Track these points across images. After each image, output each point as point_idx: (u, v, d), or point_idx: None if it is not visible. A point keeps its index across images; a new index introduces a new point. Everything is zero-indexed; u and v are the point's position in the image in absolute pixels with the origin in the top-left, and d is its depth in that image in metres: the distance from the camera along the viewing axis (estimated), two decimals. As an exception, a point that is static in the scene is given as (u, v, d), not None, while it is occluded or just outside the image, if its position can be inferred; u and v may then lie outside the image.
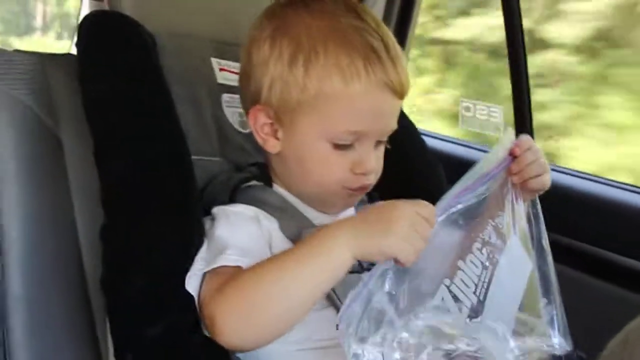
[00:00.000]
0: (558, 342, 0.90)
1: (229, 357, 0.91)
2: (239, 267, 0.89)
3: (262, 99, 0.97)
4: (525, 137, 0.94)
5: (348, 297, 0.77)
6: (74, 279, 1.04)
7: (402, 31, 1.93)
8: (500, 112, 1.92)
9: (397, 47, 0.97)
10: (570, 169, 1.71)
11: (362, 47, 0.93)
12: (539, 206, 0.95)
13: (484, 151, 1.80)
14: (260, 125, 0.99)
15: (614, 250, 1.49)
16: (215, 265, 0.90)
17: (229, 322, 0.86)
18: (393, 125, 0.99)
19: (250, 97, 1.00)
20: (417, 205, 0.83)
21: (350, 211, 1.07)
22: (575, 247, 1.53)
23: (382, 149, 1.00)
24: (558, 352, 0.90)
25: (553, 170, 0.98)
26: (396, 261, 0.80)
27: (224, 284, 0.87)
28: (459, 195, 0.84)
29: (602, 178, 1.64)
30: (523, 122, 1.73)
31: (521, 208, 0.92)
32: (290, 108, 0.95)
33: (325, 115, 0.94)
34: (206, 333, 0.89)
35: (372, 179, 0.99)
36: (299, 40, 0.94)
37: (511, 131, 0.94)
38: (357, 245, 0.82)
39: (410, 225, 0.81)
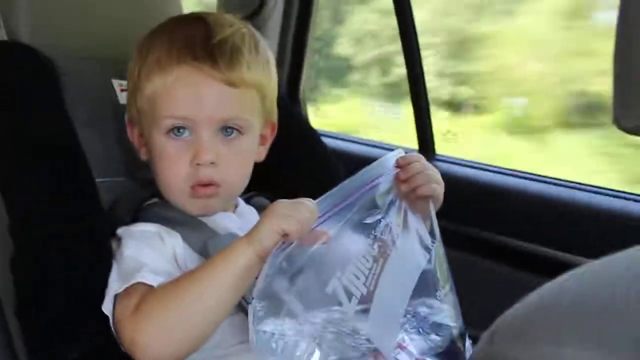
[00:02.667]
0: (450, 323, 0.97)
1: None
2: (151, 286, 0.91)
3: (131, 112, 1.06)
4: (413, 153, 1.00)
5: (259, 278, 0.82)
6: None
7: (300, 40, 1.96)
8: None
9: (232, 42, 1.00)
10: (460, 159, 1.78)
11: (181, 40, 0.99)
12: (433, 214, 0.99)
13: (382, 148, 1.87)
14: (135, 137, 1.08)
15: (503, 233, 1.56)
16: (128, 284, 0.90)
17: (150, 340, 0.87)
18: (227, 112, 1.00)
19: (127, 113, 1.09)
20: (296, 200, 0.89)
21: (245, 209, 1.12)
22: (466, 233, 1.60)
23: (234, 144, 1.02)
24: (452, 333, 0.97)
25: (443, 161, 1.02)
26: (285, 236, 0.85)
27: (140, 303, 0.88)
28: (345, 200, 0.90)
29: (490, 166, 1.72)
30: (423, 124, 1.79)
31: (414, 214, 0.98)
32: (140, 114, 1.04)
33: (155, 110, 1.00)
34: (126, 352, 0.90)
35: (213, 173, 1.00)
36: (141, 50, 1.03)
37: (401, 150, 1.00)
38: (253, 240, 0.86)
39: (291, 205, 0.87)
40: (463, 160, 1.76)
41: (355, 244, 0.90)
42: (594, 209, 1.46)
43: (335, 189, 0.90)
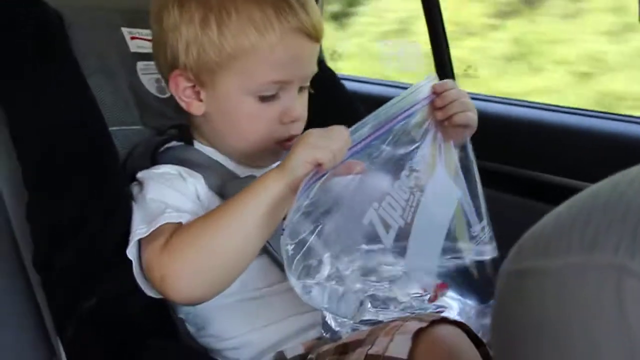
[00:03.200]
0: (488, 248, 0.97)
1: (170, 318, 0.94)
2: (179, 223, 0.90)
3: (180, 64, 0.97)
4: (448, 80, 0.97)
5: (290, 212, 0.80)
6: (10, 262, 1.05)
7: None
8: (419, 47, 1.95)
9: None
10: (480, 94, 1.76)
11: None
12: (468, 144, 0.98)
13: (404, 88, 1.84)
14: (182, 90, 0.99)
15: (538, 169, 1.55)
16: (156, 226, 0.89)
17: (182, 276, 0.86)
18: (314, 68, 1.01)
19: (167, 64, 0.99)
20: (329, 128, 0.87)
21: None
22: (502, 171, 1.59)
23: (305, 95, 1.02)
24: (487, 256, 0.96)
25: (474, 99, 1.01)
26: (318, 165, 0.83)
27: (168, 240, 0.87)
28: (380, 129, 0.87)
29: (506, 99, 1.70)
30: (441, 55, 1.76)
31: (450, 144, 0.96)
32: (209, 69, 0.96)
33: (246, 70, 0.95)
34: (152, 294, 0.90)
35: (300, 127, 1.01)
36: (208, 1, 0.94)
37: (433, 74, 0.97)
38: (285, 169, 0.85)
39: (324, 133, 0.86)
40: (482, 95, 1.74)
41: (390, 175, 0.89)
42: (617, 135, 1.44)
43: (369, 117, 0.88)
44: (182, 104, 1.01)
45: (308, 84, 1.02)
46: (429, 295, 0.90)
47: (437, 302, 0.92)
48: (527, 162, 1.58)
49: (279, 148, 1.01)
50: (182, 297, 0.88)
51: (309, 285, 0.81)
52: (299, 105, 0.99)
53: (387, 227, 0.85)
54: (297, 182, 0.83)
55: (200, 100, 0.99)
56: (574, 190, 0.46)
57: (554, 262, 0.41)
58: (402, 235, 0.87)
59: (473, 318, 0.94)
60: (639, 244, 0.39)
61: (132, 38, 1.22)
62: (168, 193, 0.95)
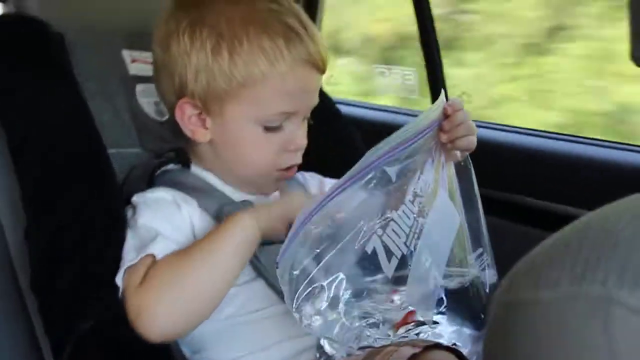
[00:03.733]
0: (486, 273, 0.97)
1: (166, 344, 0.94)
2: (154, 256, 0.91)
3: (188, 91, 0.97)
4: (457, 99, 0.97)
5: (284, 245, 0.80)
6: (6, 282, 1.05)
7: (311, 9, 1.94)
8: (415, 75, 1.96)
9: (312, 23, 1.00)
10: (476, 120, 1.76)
11: (281, 28, 0.95)
12: (470, 164, 0.98)
13: (399, 113, 1.86)
14: (187, 117, 0.99)
15: (534, 196, 1.56)
16: (143, 255, 0.91)
17: (158, 310, 0.87)
18: (317, 99, 1.03)
19: (173, 90, 0.99)
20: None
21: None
22: (500, 197, 1.60)
23: (306, 124, 1.04)
24: (486, 282, 0.96)
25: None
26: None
27: (145, 276, 0.89)
28: (393, 150, 0.86)
29: (506, 126, 1.71)
30: (436, 82, 1.77)
31: (451, 166, 0.96)
32: (218, 97, 0.96)
33: (255, 100, 0.96)
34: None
35: (300, 156, 1.03)
36: (219, 29, 0.94)
37: (443, 94, 0.97)
38: (260, 217, 0.93)
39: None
40: (485, 122, 1.75)
41: (394, 200, 0.88)
42: (617, 164, 1.45)
43: (381, 144, 0.86)
44: (187, 132, 1.01)
45: (309, 114, 1.04)
46: (394, 322, 0.89)
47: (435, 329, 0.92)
48: (524, 188, 1.58)
49: (280, 176, 1.03)
50: (155, 331, 0.88)
51: (308, 314, 0.81)
52: (301, 134, 1.01)
53: (389, 255, 0.85)
54: (272, 231, 0.92)
55: (206, 128, 1.00)
56: (572, 218, 0.46)
57: (544, 294, 0.42)
58: (404, 263, 0.87)
59: (469, 344, 0.94)
60: (628, 276, 0.40)
61: (133, 61, 1.23)
62: (160, 223, 0.96)
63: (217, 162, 1.03)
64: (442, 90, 0.98)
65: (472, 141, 0.97)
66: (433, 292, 0.90)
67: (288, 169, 1.03)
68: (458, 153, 0.97)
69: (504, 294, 0.45)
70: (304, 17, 0.99)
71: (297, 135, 1.00)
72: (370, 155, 0.84)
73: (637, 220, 0.41)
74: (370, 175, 0.84)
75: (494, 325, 0.47)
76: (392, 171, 0.86)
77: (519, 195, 1.59)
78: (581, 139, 1.57)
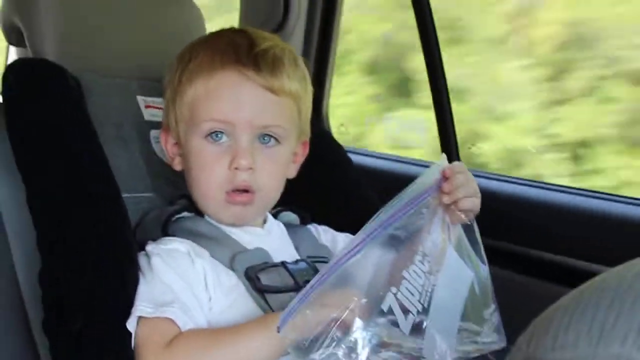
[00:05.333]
0: (494, 338, 0.96)
1: None
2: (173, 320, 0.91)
3: (165, 123, 1.07)
4: (458, 163, 0.97)
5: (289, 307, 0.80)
6: (17, 322, 1.06)
7: (323, 56, 1.97)
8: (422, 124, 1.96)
9: (273, 52, 1.01)
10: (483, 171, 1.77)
11: (224, 46, 1.01)
12: (474, 223, 0.97)
13: (410, 163, 1.87)
14: (170, 146, 1.08)
15: (541, 248, 1.54)
16: (161, 315, 0.91)
17: None
18: (266, 119, 1.01)
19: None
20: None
21: (274, 225, 1.11)
22: (505, 249, 1.59)
23: (271, 152, 1.02)
24: (495, 348, 0.96)
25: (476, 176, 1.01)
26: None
27: (172, 344, 0.89)
28: (394, 216, 0.87)
29: (512, 177, 1.70)
30: (446, 130, 1.77)
31: (458, 226, 0.96)
32: (178, 121, 1.04)
33: (195, 114, 1.01)
34: None
35: (251, 179, 1.00)
36: (182, 58, 1.04)
37: (444, 157, 0.97)
38: None
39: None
40: (485, 172, 1.75)
41: (404, 259, 0.88)
42: (621, 218, 1.44)
43: (382, 210, 0.87)
44: (169, 159, 1.10)
45: (271, 136, 1.02)
46: None
47: None
48: (533, 241, 1.57)
49: (230, 200, 1.01)
50: None
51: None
52: (247, 152, 0.99)
53: (405, 312, 0.85)
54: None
55: (181, 156, 1.07)
56: (581, 272, 0.47)
57: (562, 355, 0.42)
58: (420, 321, 0.86)
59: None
60: None
61: (147, 107, 1.25)
62: (176, 280, 0.95)
63: (192, 195, 1.06)
64: (443, 155, 0.97)
65: (475, 204, 0.96)
66: (449, 345, 0.90)
67: (235, 192, 1.01)
68: (462, 215, 0.95)
69: (523, 349, 0.45)
70: (264, 42, 1.02)
71: (240, 152, 0.99)
72: (372, 222, 0.85)
73: None
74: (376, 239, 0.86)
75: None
76: (398, 234, 0.87)
77: (525, 248, 1.58)
78: (587, 192, 1.56)
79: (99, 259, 0.99)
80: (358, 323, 0.81)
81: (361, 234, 0.84)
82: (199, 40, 1.08)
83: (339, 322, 0.79)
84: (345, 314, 0.80)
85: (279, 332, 0.79)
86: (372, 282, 0.84)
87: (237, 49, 1.00)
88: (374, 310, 0.83)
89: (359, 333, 0.82)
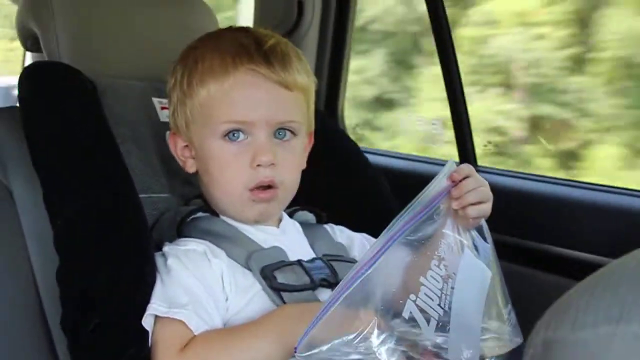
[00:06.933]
0: (515, 335, 0.95)
1: None
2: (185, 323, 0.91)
3: (173, 126, 1.07)
4: (465, 165, 0.95)
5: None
6: (35, 320, 1.06)
7: (337, 56, 1.98)
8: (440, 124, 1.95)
9: (280, 48, 1.02)
10: (502, 170, 1.76)
11: (232, 47, 1.01)
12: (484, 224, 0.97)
13: (425, 162, 1.86)
14: (180, 150, 1.08)
15: (553, 243, 1.54)
16: (174, 316, 0.91)
17: None
18: (282, 114, 1.02)
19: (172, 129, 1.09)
20: None
21: (289, 224, 1.11)
22: (517, 244, 1.58)
23: (288, 145, 1.04)
24: (511, 346, 0.95)
25: (485, 172, 0.99)
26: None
27: (187, 348, 0.89)
28: (405, 226, 0.87)
29: (532, 174, 1.69)
30: (462, 131, 1.77)
31: (469, 231, 0.95)
32: (190, 124, 1.04)
33: (209, 116, 1.01)
34: None
35: (273, 174, 1.01)
36: (186, 61, 1.04)
37: (453, 161, 0.96)
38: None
39: None
40: (505, 170, 1.74)
41: (420, 265, 0.87)
42: (630, 210, 1.44)
43: (395, 220, 0.87)
44: (180, 163, 1.09)
45: (286, 130, 1.03)
46: None
47: None
48: (544, 236, 1.57)
49: (254, 198, 1.02)
50: None
51: None
52: (268, 149, 1.00)
53: (427, 318, 0.85)
54: None
55: (193, 159, 1.07)
56: (590, 265, 0.46)
57: (582, 334, 0.42)
58: (443, 325, 0.86)
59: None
60: None
61: (163, 108, 1.25)
62: (192, 282, 0.95)
63: (209, 195, 1.07)
64: (452, 160, 0.96)
65: (483, 209, 0.93)
66: (474, 346, 0.90)
67: (259, 189, 1.02)
68: (474, 221, 0.94)
69: (540, 334, 0.45)
70: (268, 40, 1.02)
71: (260, 149, 1.00)
72: (384, 236, 0.85)
73: None
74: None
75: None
76: (411, 241, 0.87)
77: (535, 242, 1.57)
78: (598, 187, 1.55)
79: (116, 257, 0.99)
80: (377, 338, 0.81)
81: (373, 248, 0.84)
82: (199, 41, 1.07)
83: (359, 338, 0.79)
84: (365, 332, 0.79)
85: (295, 352, 0.78)
86: (390, 292, 0.84)
87: (247, 49, 1.01)
88: (394, 318, 0.83)
89: (381, 347, 0.82)
